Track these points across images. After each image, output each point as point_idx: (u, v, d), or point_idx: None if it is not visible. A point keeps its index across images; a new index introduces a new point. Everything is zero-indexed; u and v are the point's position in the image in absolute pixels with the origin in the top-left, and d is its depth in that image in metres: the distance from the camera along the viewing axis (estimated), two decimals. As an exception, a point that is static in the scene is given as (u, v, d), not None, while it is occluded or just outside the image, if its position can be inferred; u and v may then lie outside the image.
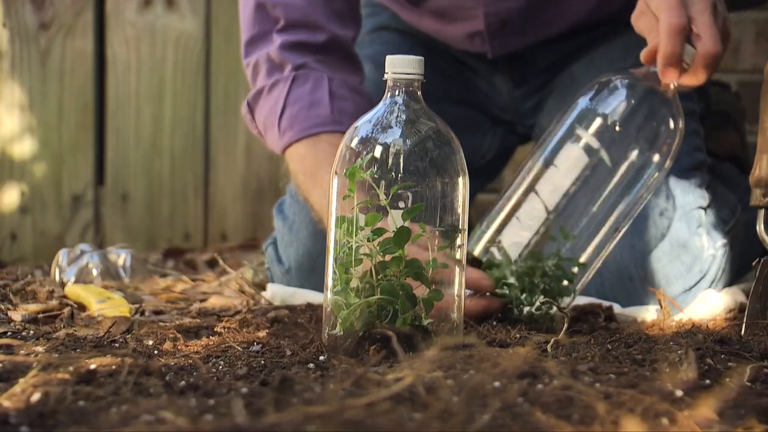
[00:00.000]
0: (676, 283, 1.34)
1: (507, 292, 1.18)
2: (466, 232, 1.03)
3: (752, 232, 1.17)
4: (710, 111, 1.57)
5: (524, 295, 1.17)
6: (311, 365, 0.94)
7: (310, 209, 1.38)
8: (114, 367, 0.86)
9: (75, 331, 1.15)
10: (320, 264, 1.39)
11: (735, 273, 1.41)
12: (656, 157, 1.20)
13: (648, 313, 1.31)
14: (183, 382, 0.83)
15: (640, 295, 1.34)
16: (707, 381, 0.84)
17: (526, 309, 1.17)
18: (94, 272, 1.57)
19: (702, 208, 1.37)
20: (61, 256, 1.58)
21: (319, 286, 1.38)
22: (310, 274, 1.41)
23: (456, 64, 1.59)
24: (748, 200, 1.17)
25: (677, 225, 1.34)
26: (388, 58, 1.03)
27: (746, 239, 1.39)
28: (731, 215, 1.43)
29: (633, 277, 1.34)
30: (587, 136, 1.18)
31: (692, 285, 1.35)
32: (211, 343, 1.07)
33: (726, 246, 1.38)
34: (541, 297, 1.17)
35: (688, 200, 1.36)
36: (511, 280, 1.18)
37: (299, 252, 1.42)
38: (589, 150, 1.20)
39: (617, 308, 1.32)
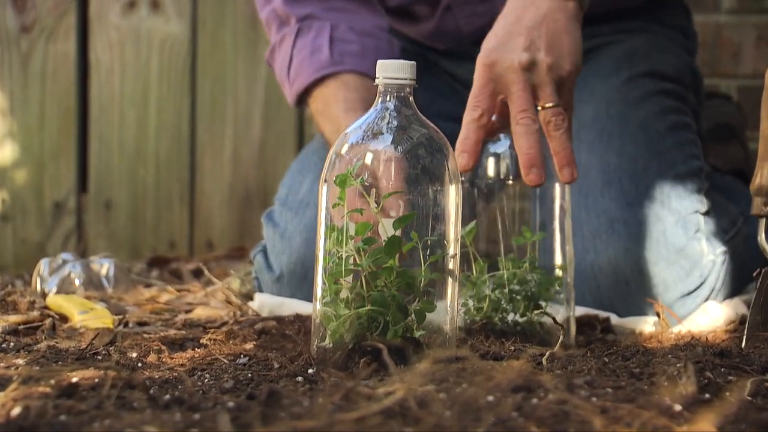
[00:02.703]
0: (674, 288, 1.34)
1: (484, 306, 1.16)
2: (459, 241, 1.02)
3: (753, 244, 1.16)
4: (702, 132, 1.56)
5: (505, 304, 1.16)
6: (300, 378, 0.93)
7: (303, 216, 1.41)
8: (96, 380, 0.85)
9: (56, 343, 1.14)
10: (312, 272, 1.39)
11: (735, 288, 1.41)
12: None
13: (646, 325, 1.30)
14: (168, 396, 0.82)
15: (637, 299, 1.34)
16: (707, 395, 0.83)
17: (511, 317, 1.16)
18: (77, 282, 1.56)
19: (700, 213, 1.37)
20: (43, 265, 1.57)
21: (311, 295, 1.38)
22: (302, 282, 1.41)
23: (448, 81, 1.59)
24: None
25: (673, 230, 1.34)
26: (379, 63, 1.02)
27: (747, 252, 1.38)
28: (732, 225, 1.43)
29: (630, 281, 1.33)
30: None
31: (691, 290, 1.35)
32: (196, 355, 1.06)
33: (726, 254, 1.38)
34: (525, 304, 1.15)
35: (684, 205, 1.36)
36: (487, 291, 1.16)
37: (292, 259, 1.43)
38: None
39: (614, 319, 1.32)
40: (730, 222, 1.43)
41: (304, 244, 1.41)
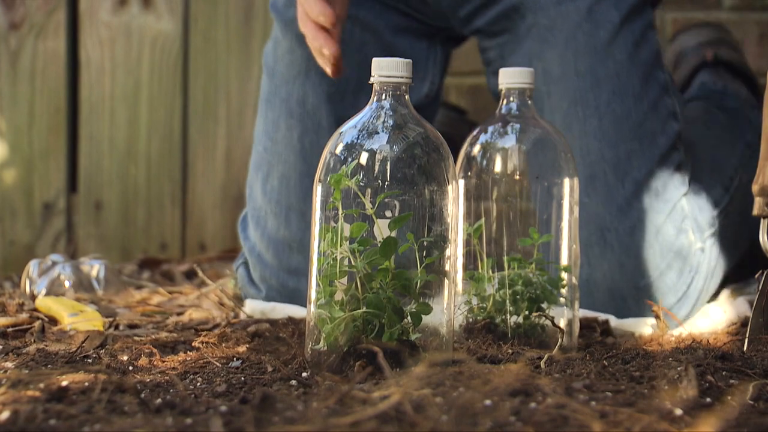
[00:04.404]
0: (670, 293, 1.33)
1: (488, 306, 1.15)
2: (457, 243, 1.01)
3: (752, 198, 1.12)
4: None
5: (510, 306, 1.15)
6: (293, 382, 0.93)
7: (264, 227, 1.41)
8: (87, 384, 0.84)
9: (46, 345, 1.13)
10: (295, 284, 1.37)
11: (731, 256, 1.39)
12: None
13: (646, 327, 1.30)
14: (159, 400, 0.82)
15: (634, 314, 1.32)
16: (708, 399, 0.82)
17: (513, 319, 1.15)
18: (67, 284, 1.55)
19: (683, 194, 1.35)
20: (32, 267, 1.56)
21: (302, 304, 1.36)
22: (292, 294, 1.40)
23: None
24: (754, 150, 1.12)
25: (664, 229, 1.33)
26: (375, 60, 1.01)
27: (744, 210, 1.32)
28: (724, 192, 1.40)
29: (626, 297, 1.33)
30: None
31: (686, 289, 1.34)
32: (188, 358, 1.05)
33: (714, 235, 1.36)
34: (527, 305, 1.14)
35: (671, 193, 1.33)
36: (491, 291, 1.15)
37: (265, 275, 1.42)
38: None
39: (614, 321, 1.31)
40: (723, 188, 1.40)
41: (275, 258, 1.40)
